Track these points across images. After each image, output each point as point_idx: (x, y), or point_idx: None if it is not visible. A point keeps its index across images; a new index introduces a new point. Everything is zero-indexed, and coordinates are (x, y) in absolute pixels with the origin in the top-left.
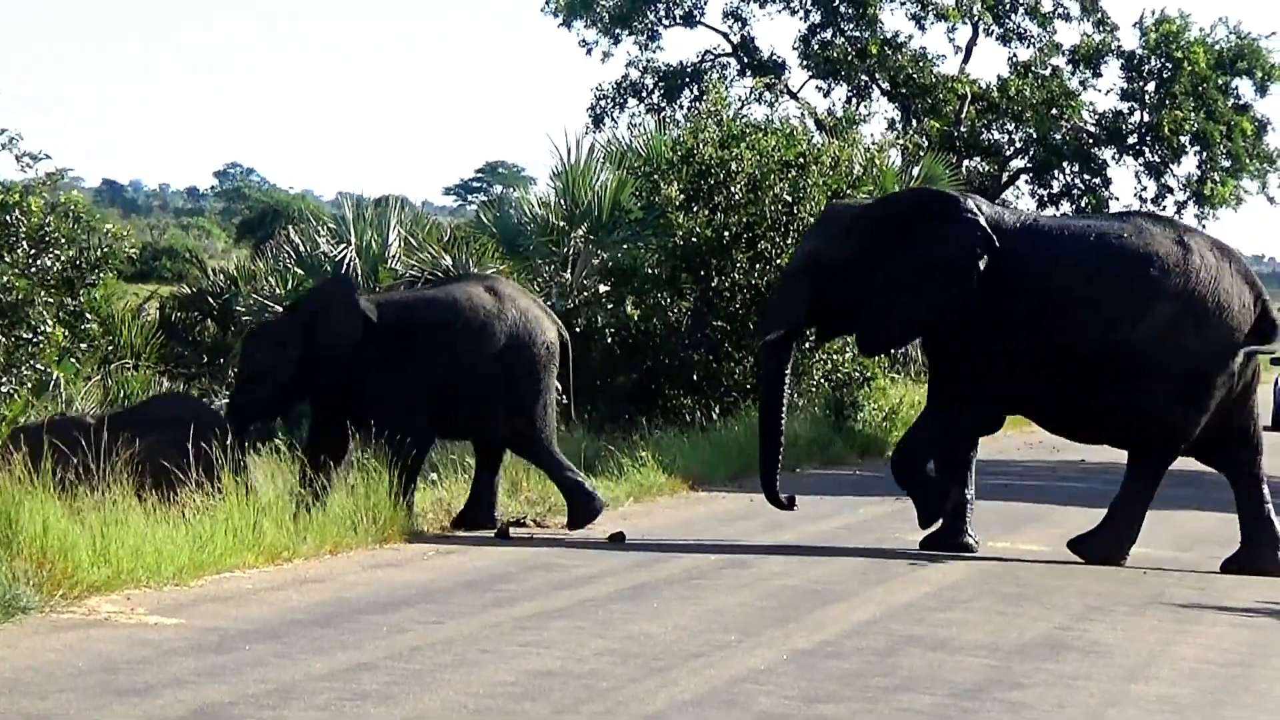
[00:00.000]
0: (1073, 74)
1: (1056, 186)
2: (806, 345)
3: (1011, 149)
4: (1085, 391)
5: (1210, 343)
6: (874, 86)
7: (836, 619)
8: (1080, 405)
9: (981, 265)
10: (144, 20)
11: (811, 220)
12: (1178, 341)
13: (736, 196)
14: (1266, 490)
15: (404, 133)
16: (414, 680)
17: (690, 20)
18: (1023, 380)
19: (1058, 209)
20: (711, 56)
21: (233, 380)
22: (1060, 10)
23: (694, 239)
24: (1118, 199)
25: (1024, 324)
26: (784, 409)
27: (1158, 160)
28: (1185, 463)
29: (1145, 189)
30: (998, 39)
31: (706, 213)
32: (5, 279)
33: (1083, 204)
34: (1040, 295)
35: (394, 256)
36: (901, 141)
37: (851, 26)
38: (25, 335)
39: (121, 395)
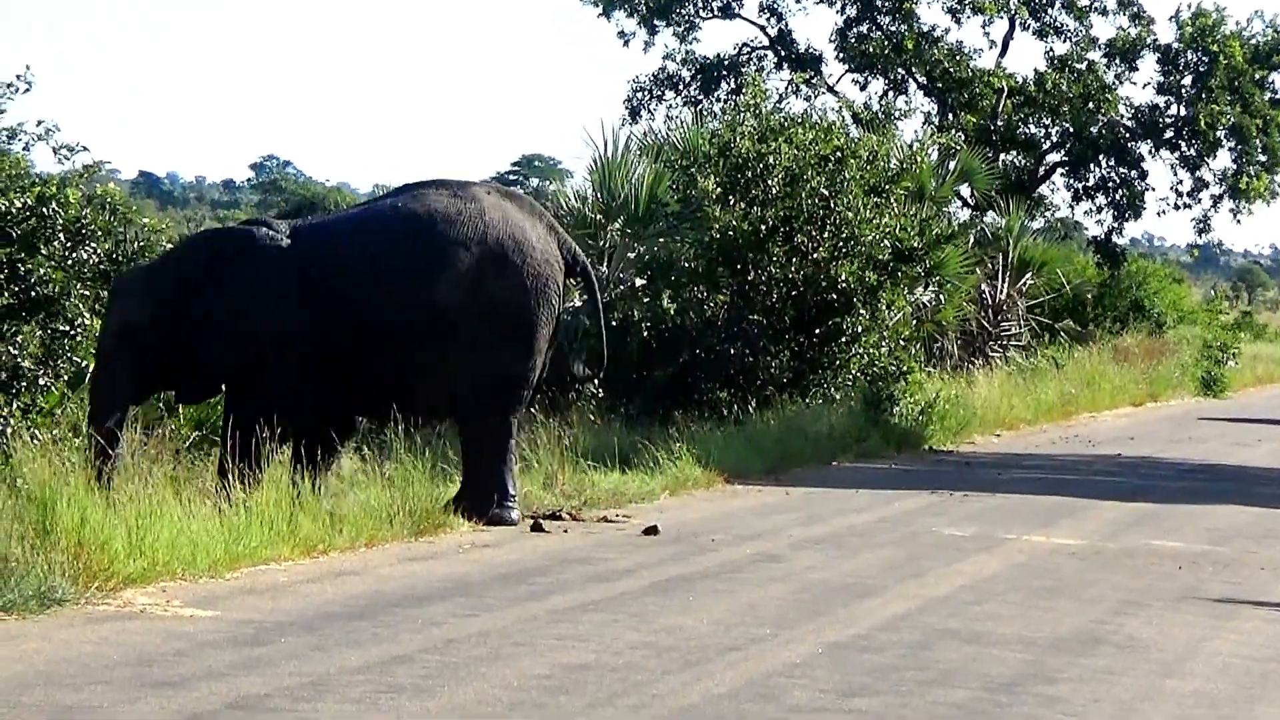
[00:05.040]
0: (1109, 68)
1: (1092, 180)
2: (843, 340)
3: (1048, 143)
4: (407, 366)
5: (515, 281)
6: (910, 80)
7: (871, 613)
8: (405, 381)
9: (296, 286)
10: (182, 12)
11: (849, 215)
12: (482, 287)
13: (773, 190)
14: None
15: (440, 125)
16: (448, 673)
17: (728, 12)
18: (338, 382)
19: (1093, 202)
20: (749, 49)
21: None
22: (1096, 4)
23: (731, 233)
24: (1153, 190)
25: (327, 322)
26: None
27: (1193, 154)
28: (1225, 457)
29: (1181, 182)
30: (1034, 33)
31: (743, 206)
32: (42, 271)
33: (1118, 197)
34: (335, 286)
35: None
36: (942, 140)
37: (888, 20)
38: (62, 328)
39: None
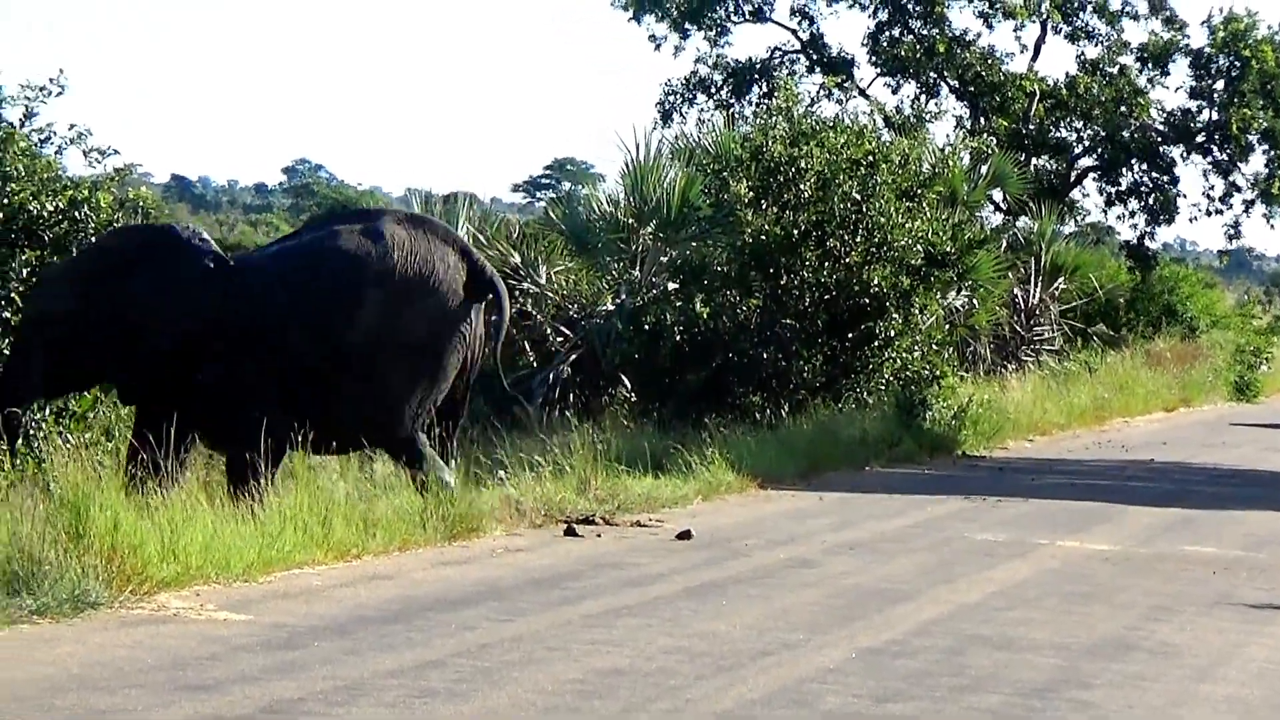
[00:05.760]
0: (1141, 72)
1: (1124, 184)
2: (875, 344)
3: (1080, 147)
4: (329, 400)
5: (428, 312)
6: (942, 84)
7: (904, 618)
8: (329, 414)
9: (212, 290)
10: (214, 16)
11: (881, 219)
12: (395, 322)
13: (805, 194)
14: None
15: (473, 129)
16: (482, 678)
17: (760, 16)
18: (270, 407)
19: (1125, 206)
20: (780, 53)
21: None
22: (1128, 9)
23: (763, 237)
24: (1184, 196)
25: (254, 352)
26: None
27: (1225, 159)
28: (1258, 462)
29: (1213, 187)
30: (1066, 37)
31: (775, 210)
32: None
33: (1150, 202)
34: (261, 320)
35: None
36: (974, 144)
37: (920, 24)
38: None
39: None
